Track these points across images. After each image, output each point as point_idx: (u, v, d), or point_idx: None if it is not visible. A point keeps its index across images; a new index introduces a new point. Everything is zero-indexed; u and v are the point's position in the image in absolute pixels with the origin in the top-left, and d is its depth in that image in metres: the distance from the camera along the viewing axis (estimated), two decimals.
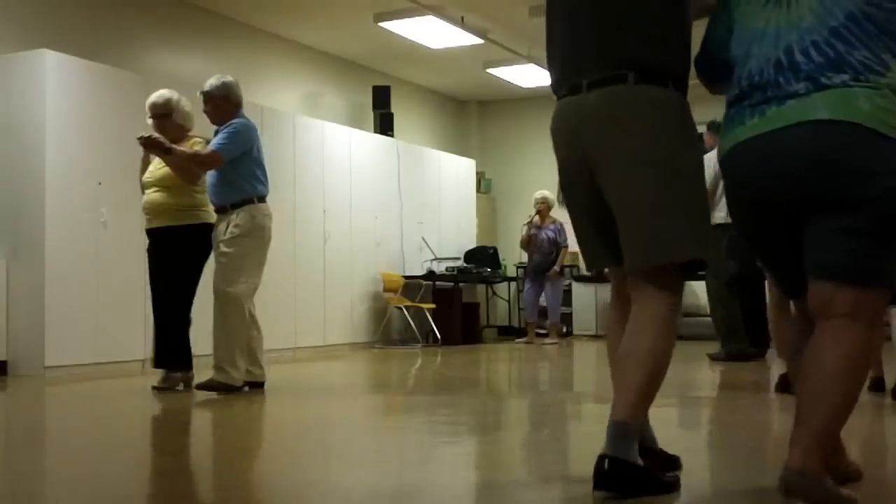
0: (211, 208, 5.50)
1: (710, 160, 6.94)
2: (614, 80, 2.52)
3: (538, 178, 12.57)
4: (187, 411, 4.81)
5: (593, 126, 2.55)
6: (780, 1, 2.34)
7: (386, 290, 10.10)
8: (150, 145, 5.23)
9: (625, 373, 2.51)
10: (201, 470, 3.23)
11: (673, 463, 2.81)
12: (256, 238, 5.32)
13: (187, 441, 3.97)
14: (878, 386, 4.84)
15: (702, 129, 6.61)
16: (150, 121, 5.49)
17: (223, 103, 5.44)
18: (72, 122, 6.90)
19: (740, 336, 7.50)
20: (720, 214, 6.71)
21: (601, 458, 2.43)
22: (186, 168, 5.33)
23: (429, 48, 10.17)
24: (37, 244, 6.67)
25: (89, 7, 7.85)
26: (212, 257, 5.44)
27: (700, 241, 2.53)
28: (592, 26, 2.58)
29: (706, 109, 7.02)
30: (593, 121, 2.55)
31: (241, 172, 5.32)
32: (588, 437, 3.87)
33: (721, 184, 6.67)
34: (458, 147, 12.85)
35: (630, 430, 2.45)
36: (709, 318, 11.27)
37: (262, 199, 5.39)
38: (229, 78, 5.51)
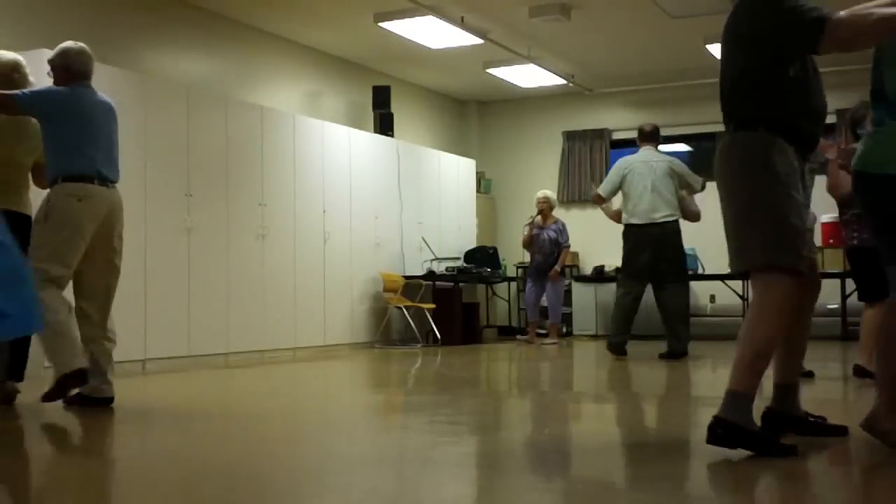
0: (25, 196, 4.90)
1: (622, 165, 7.78)
2: (726, 133, 3.36)
3: (538, 178, 12.59)
4: (174, 408, 4.81)
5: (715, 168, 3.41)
6: None
7: (386, 290, 10.09)
8: None
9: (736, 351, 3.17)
10: (196, 468, 3.22)
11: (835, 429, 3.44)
12: (51, 223, 4.53)
13: (183, 441, 3.97)
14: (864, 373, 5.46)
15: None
16: None
17: (62, 73, 4.76)
18: None
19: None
20: (626, 216, 7.87)
21: (714, 419, 3.10)
22: None
23: (429, 48, 10.16)
24: None
25: (89, 7, 7.84)
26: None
27: (770, 251, 3.16)
28: (722, 91, 3.38)
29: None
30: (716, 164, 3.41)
31: (56, 148, 4.63)
32: (588, 437, 3.87)
33: (633, 187, 7.83)
34: (458, 147, 12.85)
35: (738, 396, 3.07)
36: (709, 318, 11.29)
37: (69, 177, 4.58)
38: (74, 45, 4.82)
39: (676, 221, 7.78)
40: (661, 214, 7.72)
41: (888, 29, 3.03)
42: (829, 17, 3.05)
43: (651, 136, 8.03)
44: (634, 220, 7.80)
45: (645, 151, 7.97)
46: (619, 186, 7.96)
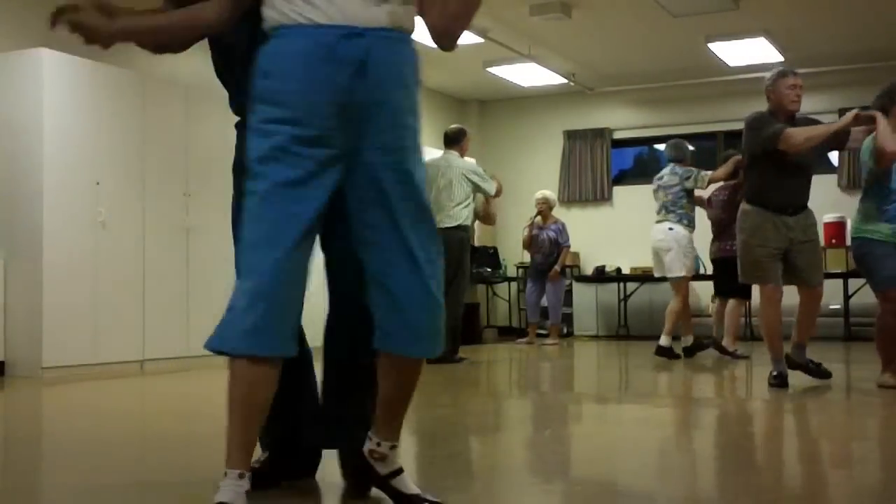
0: None
1: (436, 166, 7.84)
2: None
3: (538, 177, 12.56)
4: (183, 405, 4.78)
5: None
6: None
7: None
8: None
9: None
10: (200, 468, 3.20)
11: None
12: None
13: (183, 441, 3.95)
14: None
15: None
16: None
17: None
18: (70, 122, 6.87)
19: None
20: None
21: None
22: None
23: (428, 47, 10.11)
24: (34, 244, 6.64)
25: None
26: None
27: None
28: None
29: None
30: None
31: None
32: (589, 437, 3.85)
33: (443, 188, 7.80)
34: None
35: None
36: (709, 318, 11.29)
37: None
38: None
39: (454, 228, 7.68)
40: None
41: (811, 142, 5.05)
42: (783, 131, 5.07)
43: (450, 141, 8.01)
44: None
45: (444, 155, 7.93)
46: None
